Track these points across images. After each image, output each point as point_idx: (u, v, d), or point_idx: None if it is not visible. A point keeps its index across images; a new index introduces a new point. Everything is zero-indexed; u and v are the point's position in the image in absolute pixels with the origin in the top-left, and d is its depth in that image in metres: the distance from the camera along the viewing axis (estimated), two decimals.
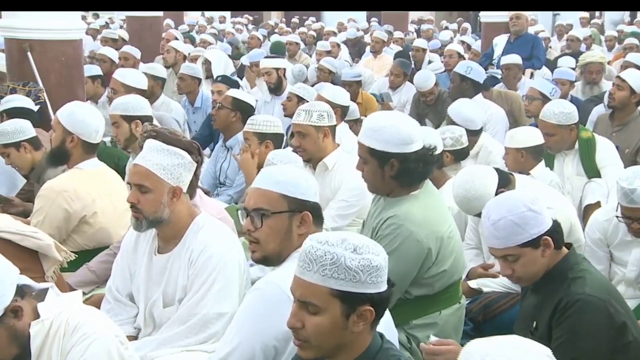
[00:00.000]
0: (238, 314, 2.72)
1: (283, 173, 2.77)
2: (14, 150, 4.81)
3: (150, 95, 6.56)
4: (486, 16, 11.11)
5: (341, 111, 5.84)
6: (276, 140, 4.93)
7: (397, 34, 14.34)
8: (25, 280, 2.46)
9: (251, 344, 2.56)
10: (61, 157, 4.25)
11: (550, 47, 13.33)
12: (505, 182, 4.00)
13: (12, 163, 4.87)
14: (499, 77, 8.36)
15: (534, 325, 2.92)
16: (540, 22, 16.59)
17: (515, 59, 8.24)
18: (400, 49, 12.45)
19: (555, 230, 2.85)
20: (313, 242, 2.07)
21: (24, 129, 4.85)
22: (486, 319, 4.04)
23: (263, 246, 2.72)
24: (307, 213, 2.71)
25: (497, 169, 4.09)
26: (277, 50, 10.78)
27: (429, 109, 7.73)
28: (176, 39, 10.77)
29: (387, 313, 2.67)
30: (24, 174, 5.03)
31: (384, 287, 2.08)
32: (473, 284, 4.11)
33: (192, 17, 21.00)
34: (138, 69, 7.40)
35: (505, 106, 7.10)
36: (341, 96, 6.03)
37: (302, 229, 2.70)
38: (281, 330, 2.39)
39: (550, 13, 20.08)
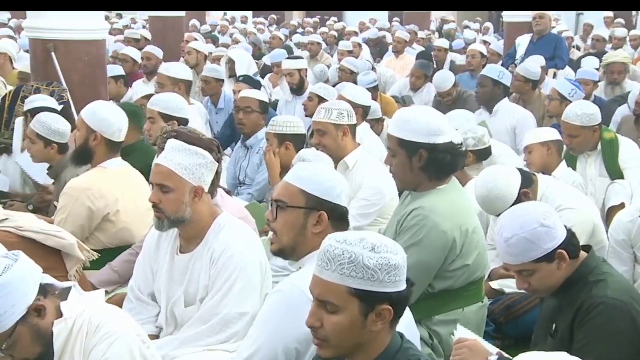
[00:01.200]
0: (259, 316, 2.73)
1: (308, 169, 2.79)
2: (42, 145, 4.81)
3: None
4: (509, 16, 11.04)
5: (362, 111, 5.83)
6: (296, 141, 4.93)
7: (420, 34, 14.29)
8: (48, 279, 2.48)
9: (273, 346, 2.57)
10: (85, 156, 4.28)
11: (574, 47, 13.23)
12: (527, 182, 3.98)
13: (32, 153, 4.89)
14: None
15: (553, 327, 2.90)
16: (563, 21, 16.49)
17: (539, 60, 8.12)
18: (423, 49, 12.41)
19: (570, 241, 2.82)
20: (331, 241, 2.07)
21: (64, 133, 4.82)
22: (508, 320, 4.03)
23: (279, 238, 2.76)
24: (323, 213, 2.71)
25: (519, 169, 4.07)
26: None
27: (449, 109, 7.68)
28: (195, 39, 10.79)
29: (408, 312, 2.67)
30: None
31: (402, 287, 2.08)
32: (495, 284, 4.09)
33: (215, 17, 21.08)
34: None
35: (541, 109, 7.03)
36: (362, 96, 6.02)
37: (317, 227, 2.71)
38: (302, 332, 2.39)
39: (573, 13, 19.94)
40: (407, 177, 3.33)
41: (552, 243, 2.75)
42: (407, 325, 2.54)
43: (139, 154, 4.85)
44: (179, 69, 6.49)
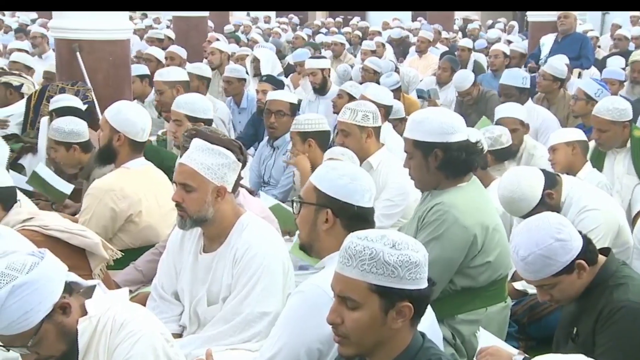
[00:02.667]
0: (281, 317, 2.73)
1: (327, 167, 2.81)
2: (63, 150, 4.87)
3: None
4: (533, 15, 10.98)
5: (385, 111, 5.82)
6: (319, 138, 4.91)
7: (444, 34, 14.24)
8: (74, 277, 2.50)
9: (295, 347, 2.58)
10: (109, 156, 4.31)
11: (599, 47, 13.12)
12: (551, 184, 3.96)
13: (58, 160, 4.94)
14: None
15: (574, 331, 2.88)
16: (589, 21, 16.35)
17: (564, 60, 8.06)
18: (447, 49, 12.38)
19: (587, 249, 2.79)
20: (353, 238, 2.09)
21: (80, 132, 4.88)
22: (531, 321, 4.01)
23: (300, 233, 2.83)
24: (329, 210, 2.71)
25: (543, 170, 4.05)
26: None
27: (471, 108, 7.67)
28: (217, 40, 10.83)
29: (431, 313, 2.66)
30: (69, 173, 5.11)
31: (423, 285, 2.08)
32: (518, 285, 4.07)
33: (238, 17, 21.13)
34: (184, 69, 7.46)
35: (565, 109, 6.97)
36: (385, 96, 6.01)
37: (325, 225, 2.73)
38: (325, 333, 2.40)
39: (599, 12, 19.77)
40: (425, 177, 3.35)
41: (569, 256, 2.74)
42: (429, 325, 2.54)
43: (151, 155, 4.82)
44: (171, 72, 6.43)
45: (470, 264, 3.29)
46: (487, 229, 3.28)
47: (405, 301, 2.06)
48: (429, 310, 2.69)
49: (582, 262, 2.76)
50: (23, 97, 6.68)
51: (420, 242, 3.06)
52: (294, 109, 5.80)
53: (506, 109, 5.63)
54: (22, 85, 6.84)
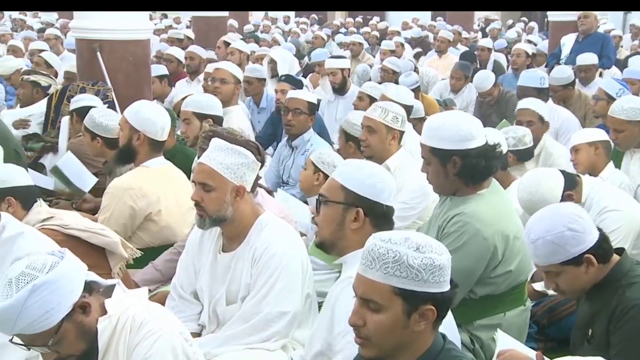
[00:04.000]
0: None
1: (353, 166, 2.81)
2: (89, 138, 4.93)
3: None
4: (554, 15, 10.91)
5: (405, 110, 5.80)
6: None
7: (464, 34, 14.20)
8: (93, 276, 2.51)
9: None
10: (128, 155, 4.33)
11: (622, 47, 13.03)
12: (571, 185, 3.93)
13: (84, 143, 5.02)
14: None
15: (589, 333, 2.86)
16: (610, 20, 16.22)
17: (592, 58, 8.01)
18: (467, 49, 12.33)
19: (600, 245, 2.76)
20: (376, 240, 2.07)
21: (107, 127, 4.88)
22: (551, 322, 3.99)
23: (320, 231, 2.80)
24: (360, 210, 2.71)
25: (563, 171, 4.02)
26: None
27: (492, 109, 7.63)
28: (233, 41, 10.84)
29: (450, 315, 2.65)
30: (95, 164, 5.21)
31: (446, 287, 2.07)
32: (538, 286, 4.05)
33: (257, 17, 21.17)
34: (205, 69, 7.48)
35: (582, 109, 6.93)
36: (405, 95, 6.00)
37: (355, 224, 2.72)
38: None
39: (620, 12, 19.62)
40: (444, 183, 3.30)
41: (579, 247, 2.72)
42: (447, 326, 2.53)
43: (179, 158, 4.82)
44: (233, 67, 6.46)
45: (491, 274, 3.27)
46: (508, 238, 3.25)
47: (429, 304, 2.04)
48: (449, 316, 2.69)
49: (591, 257, 2.73)
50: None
51: None
52: (312, 108, 5.79)
53: (527, 102, 5.60)
54: (49, 86, 6.88)
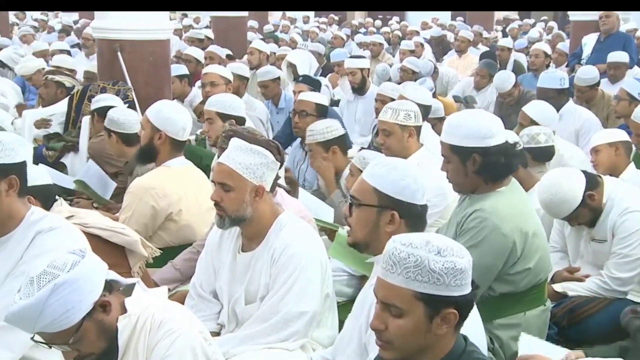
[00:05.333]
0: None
1: (384, 167, 2.76)
2: (106, 135, 5.01)
3: (235, 94, 6.63)
4: (575, 14, 10.85)
5: (423, 110, 5.78)
6: (340, 143, 4.88)
7: (484, 34, 14.14)
8: (114, 275, 2.52)
9: None
10: (149, 155, 4.34)
11: None
12: (592, 185, 3.91)
13: (107, 143, 5.08)
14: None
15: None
16: (632, 20, 16.09)
17: (623, 56, 7.93)
18: (487, 49, 12.29)
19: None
20: (396, 244, 2.04)
21: (120, 122, 4.96)
22: (571, 324, 3.96)
23: (353, 233, 2.78)
24: (395, 212, 2.69)
25: (584, 172, 4.00)
26: None
27: (511, 109, 7.59)
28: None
29: (477, 316, 2.64)
30: (115, 163, 5.28)
31: (467, 290, 2.05)
32: (558, 287, 4.03)
33: (277, 17, 21.19)
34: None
35: (605, 110, 6.87)
36: (423, 95, 5.98)
37: (390, 227, 2.70)
38: None
39: None
40: (463, 181, 3.29)
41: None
42: (472, 324, 2.51)
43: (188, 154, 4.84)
44: (224, 69, 6.52)
45: (510, 271, 3.26)
46: (527, 235, 3.24)
47: (451, 308, 2.03)
48: (476, 314, 2.68)
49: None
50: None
51: None
52: (321, 110, 5.73)
53: (529, 106, 5.58)
54: (73, 87, 6.93)
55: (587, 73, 7.06)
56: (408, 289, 2.01)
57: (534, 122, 5.37)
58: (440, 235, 2.13)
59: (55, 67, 8.10)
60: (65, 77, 7.13)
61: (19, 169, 2.88)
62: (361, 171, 4.14)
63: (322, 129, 4.89)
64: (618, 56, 7.87)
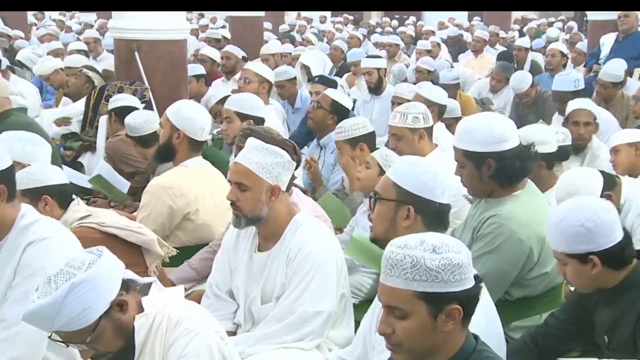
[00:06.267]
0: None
1: (406, 163, 2.80)
2: (125, 136, 5.16)
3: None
4: (593, 14, 10.79)
5: (438, 110, 5.77)
6: (368, 140, 4.88)
7: (501, 34, 14.09)
8: (130, 274, 2.53)
9: None
10: (168, 154, 4.36)
11: None
12: (610, 185, 3.88)
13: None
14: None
15: (605, 339, 2.82)
16: None
17: None
18: (505, 49, 12.24)
19: (613, 253, 2.70)
20: (392, 247, 2.07)
21: (131, 126, 5.09)
22: None
23: (374, 228, 2.82)
24: (411, 207, 2.70)
25: (602, 172, 3.97)
26: None
27: (529, 109, 7.56)
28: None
29: (496, 318, 2.63)
30: (132, 163, 5.36)
31: (469, 284, 2.05)
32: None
33: (292, 17, 21.20)
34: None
35: (624, 110, 6.82)
36: (438, 94, 5.97)
37: (406, 222, 2.72)
38: None
39: None
40: (478, 186, 3.27)
41: (585, 246, 2.68)
42: (491, 328, 2.51)
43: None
44: (265, 68, 6.48)
45: (526, 276, 3.23)
46: (544, 240, 3.20)
47: (454, 303, 2.03)
48: (494, 315, 2.67)
49: (595, 260, 2.69)
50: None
51: (475, 254, 3.07)
52: (336, 107, 5.73)
53: (581, 102, 5.52)
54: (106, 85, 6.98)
55: (615, 69, 6.96)
56: (408, 290, 2.02)
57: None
58: (436, 234, 2.13)
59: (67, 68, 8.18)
60: (98, 76, 7.19)
61: (5, 176, 2.83)
62: (379, 165, 4.18)
63: (349, 126, 4.87)
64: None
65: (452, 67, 9.89)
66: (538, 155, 4.22)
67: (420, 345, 2.08)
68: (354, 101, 8.31)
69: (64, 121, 6.62)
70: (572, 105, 5.55)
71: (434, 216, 2.74)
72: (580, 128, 5.28)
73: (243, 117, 4.75)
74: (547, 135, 4.30)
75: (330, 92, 5.89)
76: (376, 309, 2.74)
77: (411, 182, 2.72)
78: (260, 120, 4.76)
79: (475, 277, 2.08)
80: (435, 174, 2.75)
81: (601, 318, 2.90)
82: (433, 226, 2.67)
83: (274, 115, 6.35)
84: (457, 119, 6.35)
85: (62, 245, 2.86)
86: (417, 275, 2.01)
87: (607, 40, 9.12)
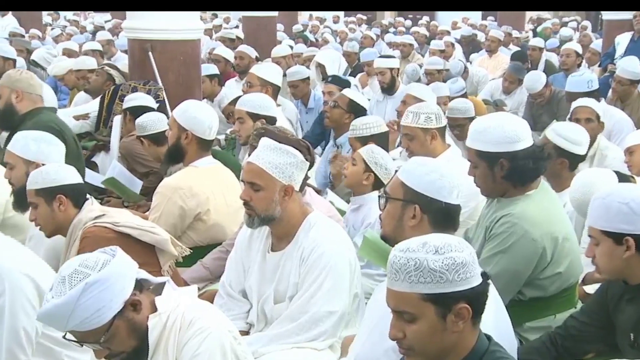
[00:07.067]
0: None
1: (415, 163, 2.81)
2: (139, 142, 5.16)
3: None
4: (608, 14, 10.74)
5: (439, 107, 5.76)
6: (379, 140, 4.88)
7: (515, 34, 14.04)
8: (144, 274, 2.53)
9: None
10: (177, 155, 4.36)
11: None
12: None
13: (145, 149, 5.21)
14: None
15: (631, 337, 2.79)
16: None
17: None
18: (519, 49, 12.19)
19: None
20: (396, 251, 2.07)
21: (143, 125, 5.09)
22: None
23: (383, 227, 2.82)
24: (417, 206, 2.70)
25: (616, 172, 3.95)
26: None
27: (542, 109, 7.53)
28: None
29: (507, 318, 2.62)
30: (145, 163, 5.40)
31: (476, 282, 2.05)
32: (589, 289, 3.98)
33: (305, 17, 21.21)
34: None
35: (639, 110, 6.78)
36: (428, 95, 5.97)
37: (412, 221, 2.72)
38: None
39: None
40: (491, 186, 3.26)
41: (625, 226, 2.64)
42: (503, 328, 2.50)
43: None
44: (269, 71, 6.44)
45: (539, 276, 3.22)
46: (557, 240, 3.19)
47: (461, 303, 2.03)
48: (505, 316, 2.66)
49: (631, 242, 2.65)
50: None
51: (487, 254, 3.06)
52: (354, 106, 5.76)
53: (584, 100, 5.50)
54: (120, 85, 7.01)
55: (633, 66, 6.89)
56: (414, 293, 2.03)
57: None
58: (439, 234, 2.14)
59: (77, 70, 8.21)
60: (119, 73, 7.21)
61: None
62: (364, 162, 4.19)
63: (360, 125, 4.93)
64: None
65: (465, 67, 9.86)
66: (565, 153, 4.23)
67: (432, 347, 2.08)
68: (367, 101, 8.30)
69: (82, 117, 6.66)
70: (575, 103, 5.53)
71: (440, 216, 2.72)
72: (582, 124, 5.24)
73: (255, 117, 4.76)
74: (582, 137, 4.27)
75: (347, 92, 5.93)
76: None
77: (418, 181, 2.72)
78: (272, 120, 4.77)
79: (483, 274, 2.07)
80: (442, 174, 2.74)
81: (626, 316, 2.87)
82: (440, 226, 2.67)
83: (282, 117, 6.36)
84: (470, 119, 6.33)
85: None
86: (422, 278, 2.01)
87: (622, 40, 9.08)
